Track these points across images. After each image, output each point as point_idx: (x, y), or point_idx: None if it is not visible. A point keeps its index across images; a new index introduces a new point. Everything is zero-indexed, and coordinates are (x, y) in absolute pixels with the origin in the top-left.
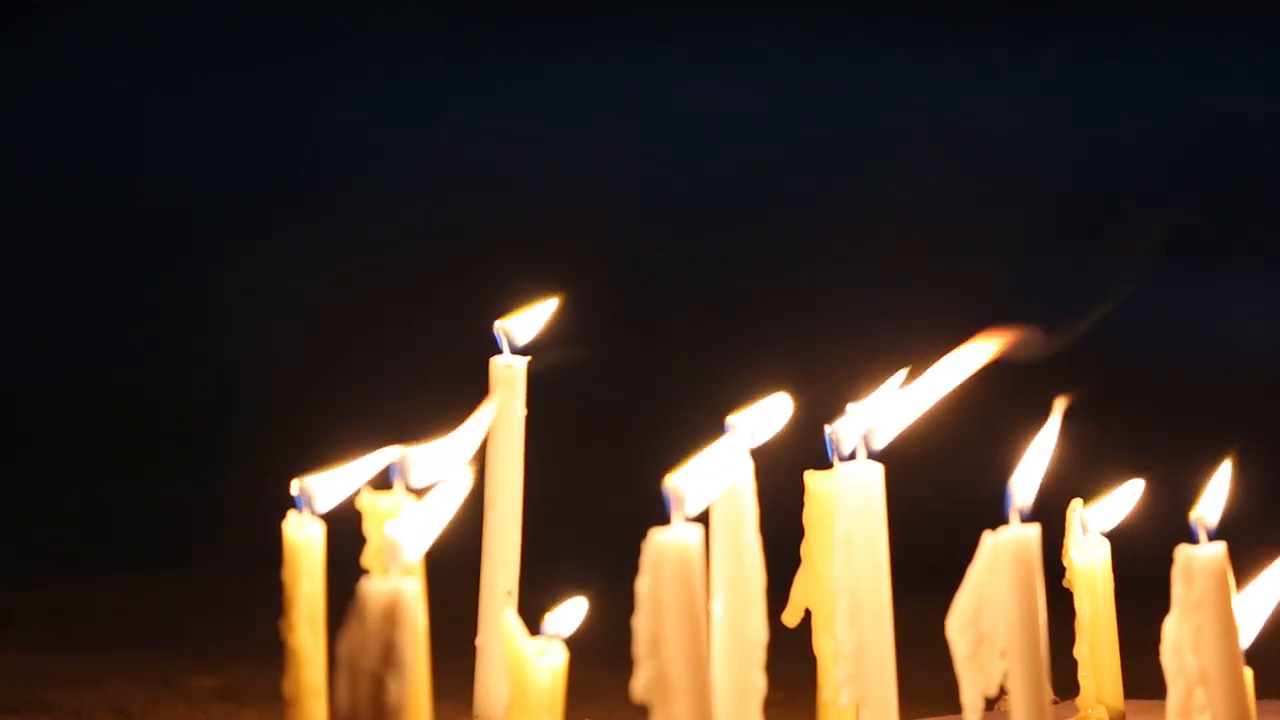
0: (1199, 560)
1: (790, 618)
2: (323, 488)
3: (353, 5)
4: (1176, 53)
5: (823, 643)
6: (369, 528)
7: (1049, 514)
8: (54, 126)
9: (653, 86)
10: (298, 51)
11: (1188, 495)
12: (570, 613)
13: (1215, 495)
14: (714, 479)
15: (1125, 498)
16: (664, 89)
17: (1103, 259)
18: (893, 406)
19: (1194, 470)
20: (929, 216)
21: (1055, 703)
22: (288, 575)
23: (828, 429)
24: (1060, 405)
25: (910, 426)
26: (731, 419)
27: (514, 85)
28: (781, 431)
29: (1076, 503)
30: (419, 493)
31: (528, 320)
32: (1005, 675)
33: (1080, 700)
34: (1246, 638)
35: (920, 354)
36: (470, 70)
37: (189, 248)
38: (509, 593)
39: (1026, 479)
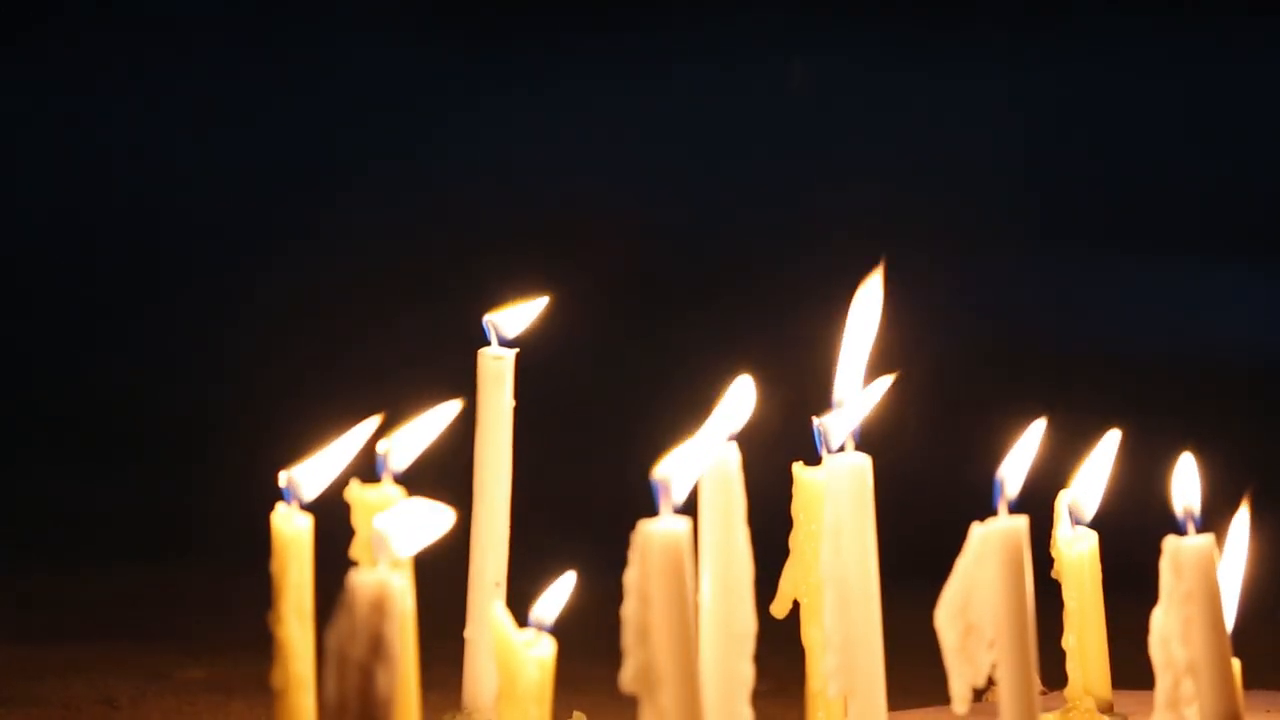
0: (1187, 551)
1: (778, 609)
2: (308, 476)
3: (358, 1)
4: (1170, 52)
5: (811, 634)
6: (357, 520)
7: (1037, 505)
8: (50, 125)
9: (651, 86)
10: (296, 43)
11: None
12: (558, 590)
13: (1198, 486)
14: (695, 464)
15: (1102, 463)
16: (662, 88)
17: (1097, 257)
18: (855, 384)
19: (1184, 462)
20: (927, 214)
21: (1043, 693)
22: (276, 567)
23: (816, 422)
24: (1041, 422)
25: (900, 419)
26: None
27: (511, 84)
28: (770, 423)
29: (1064, 494)
30: (405, 482)
31: (517, 315)
32: (993, 666)
33: (1068, 691)
34: (1231, 622)
35: (915, 353)
36: (469, 68)
37: (179, 244)
38: (497, 584)
39: (1014, 471)
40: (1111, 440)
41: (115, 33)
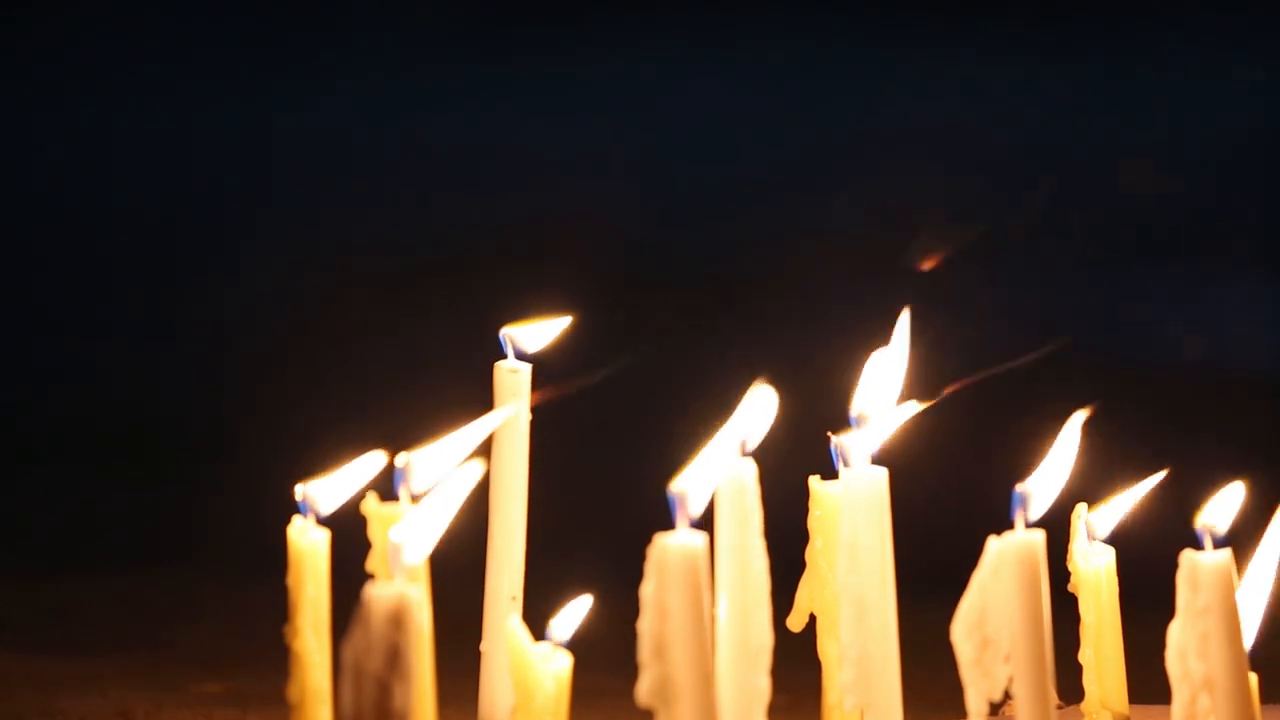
0: (1204, 566)
1: (795, 623)
2: (324, 492)
3: (356, 5)
4: (1177, 59)
5: (827, 647)
6: (374, 533)
7: (1054, 519)
8: (56, 127)
9: (652, 89)
10: (300, 51)
11: (1192, 500)
12: (575, 611)
13: (1221, 502)
14: (711, 476)
15: (1128, 499)
16: (665, 90)
17: (1100, 261)
18: (886, 397)
19: (1198, 475)
20: (947, 225)
21: (1060, 707)
22: (292, 580)
23: (833, 439)
24: (1080, 416)
25: (915, 432)
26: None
27: (516, 87)
28: (786, 436)
29: (1081, 508)
30: (421, 498)
31: (536, 330)
32: (1010, 680)
33: (1085, 705)
34: (1249, 639)
35: (922, 359)
36: (474, 73)
37: (193, 252)
38: (514, 598)
39: (1043, 488)
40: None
41: (115, 37)
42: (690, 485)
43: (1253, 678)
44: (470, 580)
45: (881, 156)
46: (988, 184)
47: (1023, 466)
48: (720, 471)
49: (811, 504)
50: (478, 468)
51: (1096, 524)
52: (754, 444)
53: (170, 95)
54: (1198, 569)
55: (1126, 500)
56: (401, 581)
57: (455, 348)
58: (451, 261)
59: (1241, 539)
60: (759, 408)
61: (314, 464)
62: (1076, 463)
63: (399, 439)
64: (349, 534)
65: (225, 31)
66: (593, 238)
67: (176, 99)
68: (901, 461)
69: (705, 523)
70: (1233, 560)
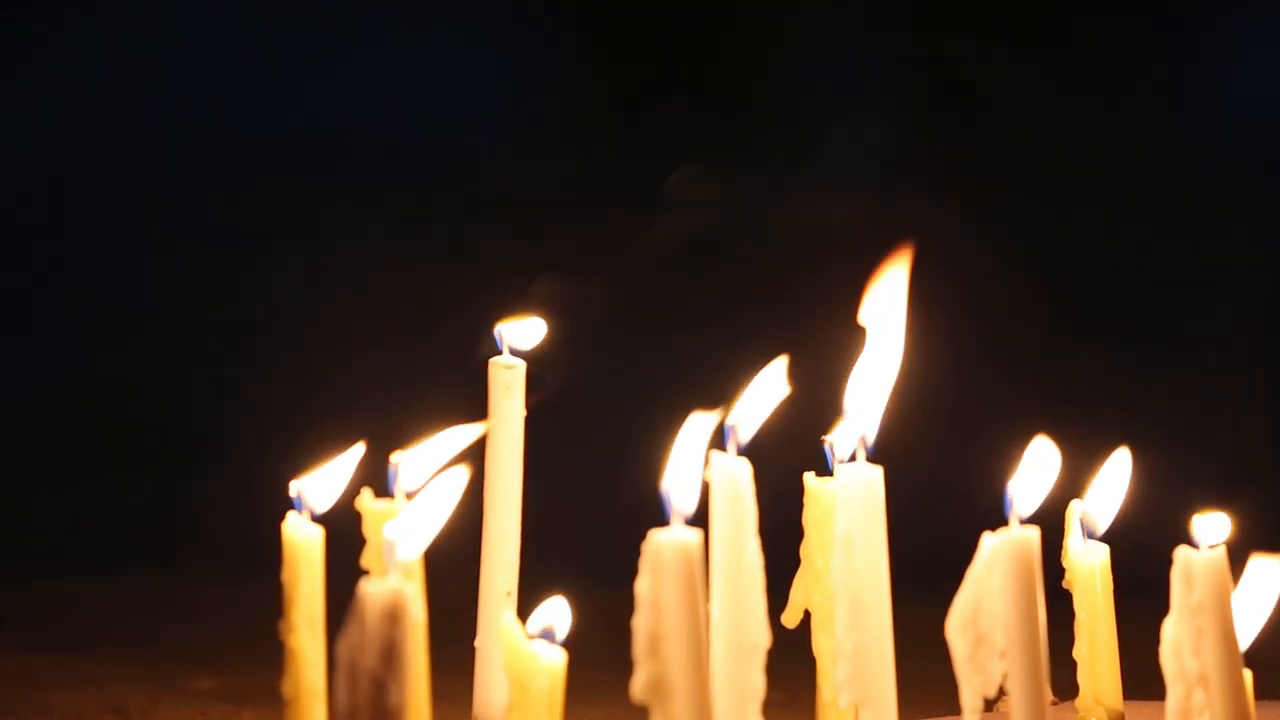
0: (1198, 563)
1: (790, 619)
2: (317, 488)
3: (354, 4)
4: (1179, 56)
5: (822, 644)
6: (368, 529)
7: (1048, 515)
8: (48, 127)
9: (653, 91)
10: (297, 48)
11: (1188, 497)
12: (551, 614)
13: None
14: (697, 468)
15: (1115, 478)
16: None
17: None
18: (873, 390)
19: (1196, 473)
20: (936, 222)
21: (1054, 704)
22: (287, 576)
23: (826, 439)
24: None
25: (911, 429)
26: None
27: (518, 89)
28: (781, 433)
29: (1075, 504)
30: (414, 496)
31: (527, 327)
32: (1004, 676)
33: (1079, 701)
34: (1245, 639)
35: (927, 361)
36: (473, 71)
37: (180, 249)
38: (508, 594)
39: (1029, 486)
40: (1122, 458)
41: (115, 36)
42: (680, 479)
43: (1247, 674)
44: (465, 576)
45: (878, 154)
46: (983, 176)
47: (1018, 464)
48: (707, 462)
49: (806, 500)
50: (465, 471)
51: (1091, 517)
52: (747, 435)
53: (167, 92)
54: (1192, 566)
55: (1106, 493)
56: (396, 577)
57: (452, 345)
58: (450, 260)
59: (1238, 537)
60: (755, 399)
61: (310, 460)
62: (1071, 460)
63: (395, 437)
64: (344, 530)
65: (225, 31)
66: (594, 239)
67: (174, 96)
68: (896, 458)
69: (700, 519)
70: (1226, 558)
